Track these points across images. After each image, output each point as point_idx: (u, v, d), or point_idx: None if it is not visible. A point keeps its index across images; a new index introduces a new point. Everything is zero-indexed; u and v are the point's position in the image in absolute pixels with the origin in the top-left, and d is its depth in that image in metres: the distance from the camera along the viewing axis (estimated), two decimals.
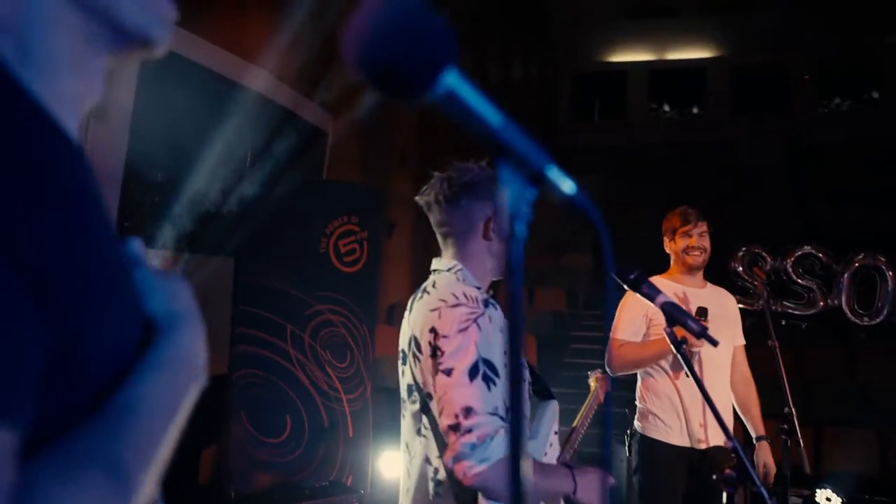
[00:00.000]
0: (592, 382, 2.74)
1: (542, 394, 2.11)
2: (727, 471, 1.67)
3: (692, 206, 3.29)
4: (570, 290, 9.99)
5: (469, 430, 1.62)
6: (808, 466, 2.59)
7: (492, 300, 1.79)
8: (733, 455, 1.61)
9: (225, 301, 4.26)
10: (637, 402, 3.20)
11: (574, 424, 2.38)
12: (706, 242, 3.23)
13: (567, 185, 0.60)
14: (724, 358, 3.15)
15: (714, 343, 1.75)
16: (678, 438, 3.02)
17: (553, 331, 9.14)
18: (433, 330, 1.75)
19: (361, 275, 4.22)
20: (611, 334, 3.18)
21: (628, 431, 3.24)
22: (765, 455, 2.94)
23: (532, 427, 1.98)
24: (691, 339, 2.90)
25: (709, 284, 3.31)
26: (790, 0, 14.99)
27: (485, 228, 1.87)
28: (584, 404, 2.54)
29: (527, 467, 1.57)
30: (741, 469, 1.55)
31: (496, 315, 1.74)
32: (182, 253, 5.08)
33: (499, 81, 13.12)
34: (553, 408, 2.09)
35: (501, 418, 1.66)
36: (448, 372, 1.68)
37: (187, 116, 5.01)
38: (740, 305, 8.21)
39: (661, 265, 3.34)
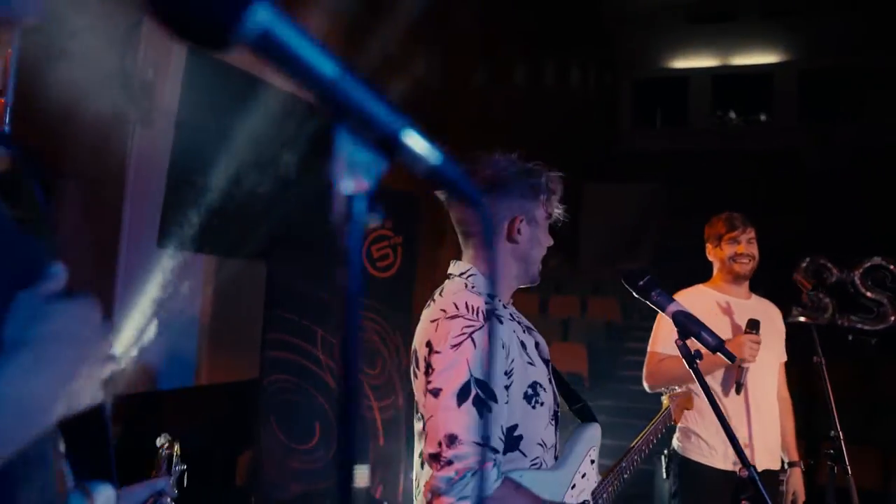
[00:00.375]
0: (666, 400, 2.46)
1: (583, 415, 1.89)
2: (743, 502, 1.50)
3: (738, 212, 3.07)
4: (624, 300, 9.71)
5: (449, 462, 1.44)
6: (856, 497, 2.34)
7: (500, 312, 1.62)
8: (750, 482, 1.44)
9: (259, 305, 4.24)
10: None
11: (631, 445, 2.07)
12: (755, 249, 3.01)
13: (431, 155, 0.48)
14: (771, 375, 2.93)
15: (732, 359, 1.58)
16: (722, 462, 2.81)
17: (606, 342, 8.88)
18: (429, 343, 1.57)
19: (395, 281, 4.14)
20: (649, 347, 2.99)
21: (666, 451, 3.04)
22: (796, 482, 2.71)
23: (562, 454, 1.75)
24: (741, 355, 2.72)
25: (754, 296, 3.09)
26: (856, 2, 14.36)
27: (509, 229, 1.69)
28: (650, 424, 2.23)
29: None
30: (759, 500, 1.38)
31: (501, 330, 1.57)
32: (218, 255, 5.10)
33: (558, 88, 12.93)
34: (592, 432, 1.85)
35: (493, 450, 1.49)
36: (436, 393, 1.50)
37: (230, 120, 5.04)
38: (802, 319, 7.77)
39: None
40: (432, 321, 1.60)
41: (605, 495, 1.83)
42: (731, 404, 2.82)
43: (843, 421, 2.61)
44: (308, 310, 3.97)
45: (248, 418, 4.20)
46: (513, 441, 1.61)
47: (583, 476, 1.76)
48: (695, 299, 3.02)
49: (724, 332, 2.91)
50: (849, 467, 2.35)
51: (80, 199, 4.69)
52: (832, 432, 2.43)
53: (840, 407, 2.65)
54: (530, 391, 1.62)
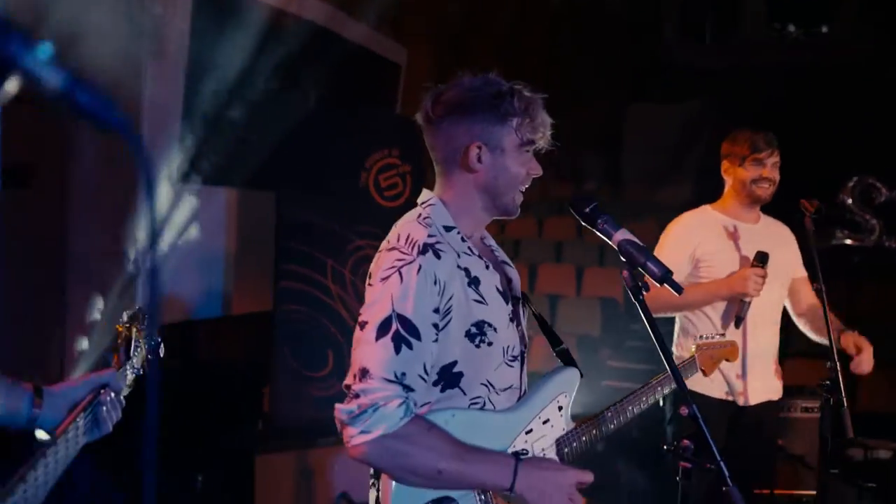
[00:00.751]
0: (693, 349, 2.22)
1: (564, 358, 1.80)
2: (684, 441, 1.42)
3: (767, 131, 2.83)
4: (664, 225, 9.43)
5: (356, 396, 1.43)
6: (850, 429, 2.24)
7: (443, 247, 1.54)
8: (691, 419, 1.37)
9: (271, 236, 4.27)
10: (673, 349, 2.93)
11: (632, 391, 1.90)
12: (777, 174, 2.83)
13: (54, 78, 0.42)
14: (774, 308, 2.81)
15: (678, 290, 1.48)
16: (716, 390, 2.74)
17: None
18: (369, 275, 1.59)
19: (403, 210, 4.06)
20: None
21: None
22: (854, 338, 2.58)
23: (524, 398, 1.67)
24: (744, 289, 2.60)
25: (763, 217, 2.93)
26: None
27: (464, 157, 1.59)
28: (665, 372, 1.96)
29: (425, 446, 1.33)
30: (700, 440, 1.31)
31: (437, 265, 1.50)
32: (237, 188, 5.13)
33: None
34: (566, 377, 1.74)
35: (406, 387, 1.45)
36: (362, 325, 1.51)
37: (245, 52, 4.97)
38: (848, 241, 7.43)
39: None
40: (378, 251, 1.60)
41: (574, 444, 1.72)
42: (728, 336, 2.73)
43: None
44: (318, 241, 3.98)
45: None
46: (451, 378, 1.56)
47: (545, 422, 1.67)
48: (699, 222, 2.89)
49: (729, 258, 2.79)
50: (844, 399, 2.24)
51: (95, 142, 4.75)
52: (828, 363, 2.32)
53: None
54: (474, 330, 1.56)
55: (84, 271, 4.66)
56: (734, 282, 2.66)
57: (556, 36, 10.23)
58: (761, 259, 2.64)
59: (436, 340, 1.50)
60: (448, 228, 1.60)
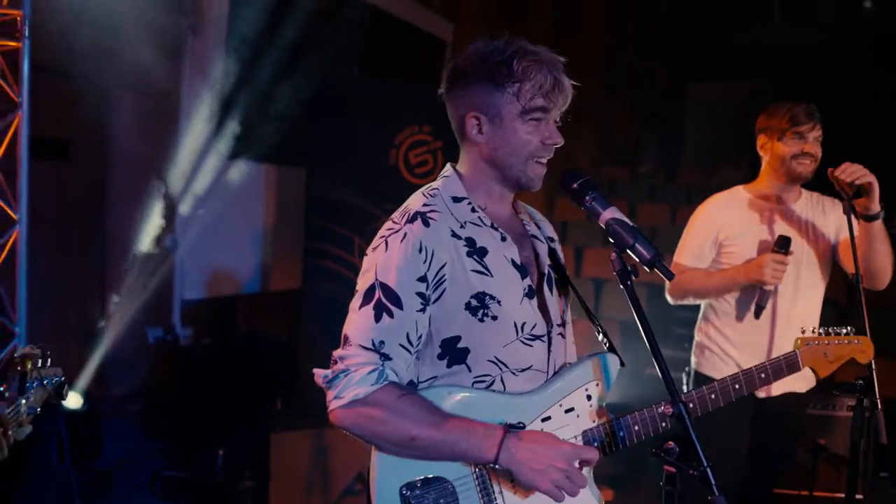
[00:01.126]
0: (798, 343, 1.89)
1: (607, 344, 1.65)
2: (668, 443, 1.29)
3: (808, 103, 2.56)
4: None
5: (334, 362, 1.43)
6: (884, 433, 2.04)
7: (433, 214, 1.48)
8: (678, 418, 1.23)
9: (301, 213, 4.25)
10: (696, 335, 2.76)
11: (698, 390, 1.65)
12: (819, 150, 2.57)
13: None
14: (812, 296, 2.60)
15: (670, 276, 1.33)
16: None
17: None
18: None
19: None
20: (674, 258, 2.72)
21: (686, 369, 2.82)
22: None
23: (547, 382, 1.55)
24: (761, 277, 2.40)
25: (805, 194, 2.67)
26: None
27: (464, 128, 1.52)
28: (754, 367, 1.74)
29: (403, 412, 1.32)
30: (686, 442, 1.18)
31: (424, 232, 1.45)
32: (270, 164, 5.12)
33: None
34: (601, 364, 1.58)
35: (384, 356, 1.42)
36: (354, 294, 1.49)
37: (286, 28, 4.93)
38: None
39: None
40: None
41: (606, 439, 1.53)
42: (750, 328, 2.54)
43: None
44: (346, 218, 3.93)
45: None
46: (457, 353, 1.49)
47: (568, 410, 1.53)
48: (726, 203, 2.67)
49: (753, 241, 2.57)
50: (878, 401, 2.04)
51: (137, 112, 4.80)
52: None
53: None
54: (474, 302, 1.47)
55: (122, 242, 4.74)
56: (751, 269, 2.46)
57: (613, 13, 9.90)
58: (782, 244, 2.41)
59: (422, 310, 1.45)
60: (457, 199, 1.53)
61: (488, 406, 1.49)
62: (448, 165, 1.62)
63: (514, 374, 1.51)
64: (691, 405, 1.60)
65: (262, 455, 3.16)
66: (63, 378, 1.72)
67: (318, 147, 4.06)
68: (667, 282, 2.70)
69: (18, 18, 3.11)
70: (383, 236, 1.48)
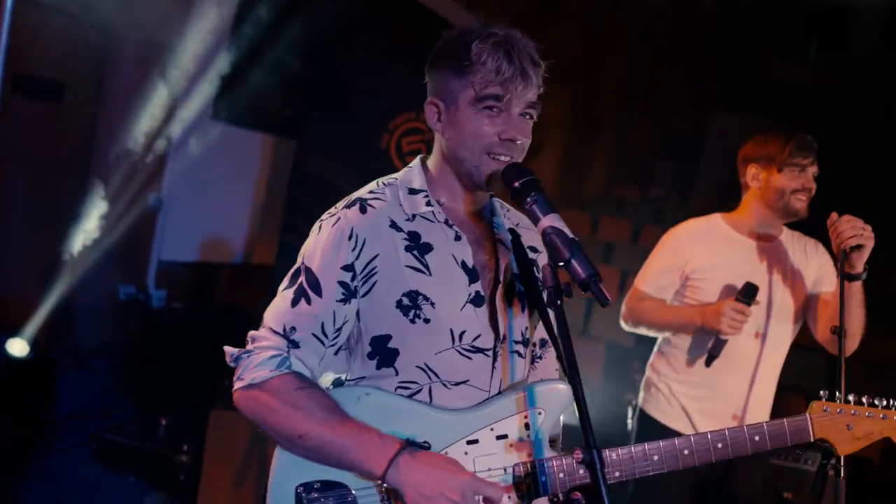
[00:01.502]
0: (813, 407, 1.58)
1: (565, 370, 1.41)
2: (575, 494, 1.15)
3: (807, 134, 2.35)
4: None
5: (247, 342, 1.39)
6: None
7: (374, 202, 1.41)
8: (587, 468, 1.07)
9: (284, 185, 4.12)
10: (647, 369, 2.57)
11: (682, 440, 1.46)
12: (814, 187, 2.36)
13: None
14: (776, 353, 2.40)
15: (604, 303, 1.12)
16: (679, 423, 2.40)
17: None
18: None
19: None
20: (635, 281, 2.53)
21: (633, 402, 2.65)
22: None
23: (482, 403, 1.40)
24: (717, 325, 2.20)
25: (786, 231, 2.47)
26: None
27: (428, 118, 1.46)
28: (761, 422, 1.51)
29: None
30: (594, 494, 1.02)
31: (358, 220, 1.38)
32: (266, 133, 4.99)
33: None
34: (548, 392, 1.41)
35: (292, 342, 1.35)
36: None
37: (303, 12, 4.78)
38: None
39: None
40: None
41: (524, 478, 1.36)
42: (701, 374, 2.35)
43: None
44: (329, 197, 3.78)
45: None
46: (387, 354, 1.38)
47: (500, 437, 1.37)
48: (700, 233, 2.46)
49: (724, 279, 2.37)
50: (843, 469, 1.83)
51: (136, 60, 4.68)
52: None
53: None
54: (406, 301, 1.36)
55: (106, 189, 4.62)
56: (708, 314, 2.27)
57: (647, 26, 9.70)
58: (747, 293, 2.21)
59: (343, 301, 1.36)
60: (414, 191, 1.44)
61: (402, 417, 1.35)
62: (418, 157, 1.54)
63: (445, 386, 1.38)
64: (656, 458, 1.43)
65: (200, 431, 3.04)
66: None
67: (312, 120, 3.93)
68: (624, 307, 2.54)
69: None
70: (322, 219, 1.43)
